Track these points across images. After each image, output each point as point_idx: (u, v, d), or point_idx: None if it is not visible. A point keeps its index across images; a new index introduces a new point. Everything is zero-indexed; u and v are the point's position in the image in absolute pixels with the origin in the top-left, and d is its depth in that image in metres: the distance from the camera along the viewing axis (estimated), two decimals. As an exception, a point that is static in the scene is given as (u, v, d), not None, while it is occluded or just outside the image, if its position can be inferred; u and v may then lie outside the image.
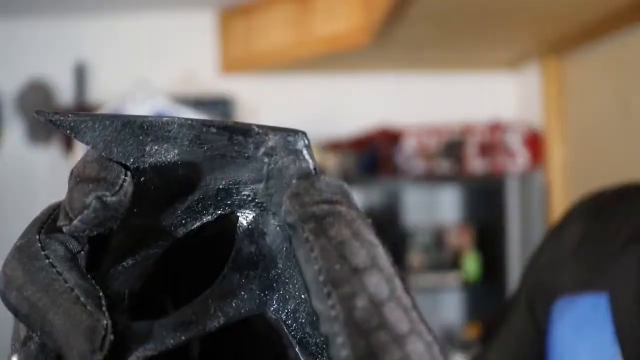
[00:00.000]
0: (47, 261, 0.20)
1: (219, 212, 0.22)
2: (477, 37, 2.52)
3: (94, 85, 3.00)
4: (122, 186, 0.20)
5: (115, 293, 0.21)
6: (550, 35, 2.53)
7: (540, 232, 2.84)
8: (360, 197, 3.16)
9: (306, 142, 0.21)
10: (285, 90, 3.13)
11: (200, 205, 0.22)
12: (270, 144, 0.21)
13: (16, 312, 0.19)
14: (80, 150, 2.63)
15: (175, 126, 0.21)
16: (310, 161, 0.21)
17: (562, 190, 2.76)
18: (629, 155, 2.29)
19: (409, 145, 2.92)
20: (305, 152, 0.21)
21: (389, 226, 2.93)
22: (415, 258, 2.95)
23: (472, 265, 2.95)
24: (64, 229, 0.19)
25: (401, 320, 0.17)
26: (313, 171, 0.21)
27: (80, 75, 2.97)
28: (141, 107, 2.63)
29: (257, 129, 0.21)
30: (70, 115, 0.21)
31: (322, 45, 2.66)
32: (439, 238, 3.03)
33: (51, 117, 0.21)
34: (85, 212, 0.19)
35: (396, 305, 0.18)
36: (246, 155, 0.21)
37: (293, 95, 3.13)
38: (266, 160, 0.21)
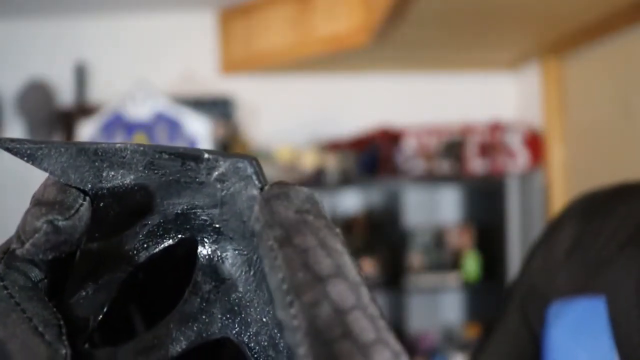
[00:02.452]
0: (5, 292, 0.20)
1: (180, 236, 0.23)
2: (477, 37, 2.52)
3: (94, 85, 3.00)
4: (77, 210, 0.20)
5: (79, 319, 0.21)
6: (550, 35, 2.53)
7: (540, 232, 2.84)
8: (360, 197, 3.16)
9: (255, 167, 0.21)
10: (285, 90, 3.13)
11: (161, 229, 0.22)
12: (221, 169, 0.21)
13: None
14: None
15: (129, 152, 0.21)
16: (260, 187, 0.21)
17: (562, 190, 2.76)
18: (629, 155, 2.29)
19: (409, 145, 2.92)
20: (254, 177, 0.21)
21: (389, 226, 2.93)
22: (415, 258, 2.95)
23: (472, 265, 2.95)
24: (17, 252, 0.19)
25: (366, 329, 0.17)
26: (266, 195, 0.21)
27: (80, 75, 2.97)
28: (141, 107, 2.64)
29: (207, 155, 0.21)
30: (26, 143, 0.21)
31: (322, 45, 2.66)
32: (439, 238, 3.03)
33: (7, 145, 0.21)
34: (36, 235, 0.19)
35: (361, 314, 0.17)
36: (198, 180, 0.22)
37: (293, 95, 3.13)
38: (218, 185, 0.21)
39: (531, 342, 0.59)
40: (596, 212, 0.58)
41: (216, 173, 0.21)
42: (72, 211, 0.20)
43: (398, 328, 2.89)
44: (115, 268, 0.22)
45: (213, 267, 0.22)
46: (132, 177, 0.22)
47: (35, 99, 2.90)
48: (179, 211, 0.22)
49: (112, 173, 0.22)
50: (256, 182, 0.21)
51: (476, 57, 2.92)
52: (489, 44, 2.66)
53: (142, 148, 0.21)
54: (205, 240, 0.22)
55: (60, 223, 0.19)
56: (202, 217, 0.22)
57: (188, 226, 0.22)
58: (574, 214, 0.60)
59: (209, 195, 0.22)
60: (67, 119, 2.89)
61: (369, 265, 2.90)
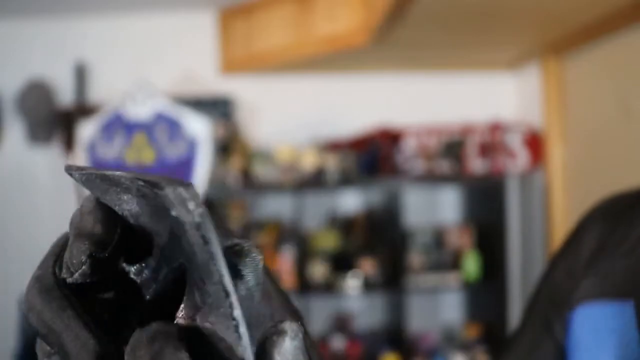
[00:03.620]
0: (60, 292, 0.23)
1: (180, 261, 0.24)
2: (477, 37, 2.52)
3: (94, 85, 3.00)
4: (114, 241, 0.24)
5: (119, 322, 0.25)
6: (550, 35, 2.53)
7: (540, 232, 2.84)
8: (360, 197, 3.16)
9: (190, 193, 0.22)
10: (285, 90, 3.13)
11: (166, 251, 0.24)
12: (170, 196, 0.22)
13: (37, 332, 0.23)
14: (79, 150, 2.63)
15: (123, 179, 0.24)
16: (195, 212, 0.22)
17: (562, 190, 2.76)
18: (628, 154, 2.29)
19: (409, 145, 2.92)
20: (189, 203, 0.22)
21: (389, 226, 2.93)
22: (415, 258, 2.95)
23: (472, 265, 2.95)
24: (67, 280, 0.24)
25: None
26: (199, 220, 0.21)
27: (80, 75, 2.97)
28: (141, 107, 2.64)
29: (160, 182, 0.22)
30: (83, 171, 0.25)
31: (322, 45, 2.66)
32: (439, 238, 3.03)
33: (73, 173, 0.25)
34: (83, 267, 0.23)
35: None
36: (164, 206, 0.23)
37: (293, 95, 3.13)
38: (172, 212, 0.22)
39: (554, 350, 0.58)
40: (621, 217, 0.57)
41: (169, 199, 0.22)
42: (111, 243, 0.24)
43: (398, 328, 2.89)
44: (135, 287, 0.25)
45: (198, 288, 0.23)
46: (135, 201, 0.24)
47: (35, 99, 2.90)
48: (169, 235, 0.24)
49: (125, 196, 0.24)
50: (190, 208, 0.22)
51: (476, 57, 2.92)
52: (489, 44, 2.66)
53: (131, 176, 0.23)
54: (187, 264, 0.24)
55: (101, 255, 0.23)
56: (181, 243, 0.23)
57: (177, 250, 0.24)
58: (598, 219, 0.59)
59: (173, 221, 0.23)
60: (67, 119, 2.89)
61: (369, 265, 2.90)
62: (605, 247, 0.56)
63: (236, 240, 0.26)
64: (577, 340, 0.54)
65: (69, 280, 0.23)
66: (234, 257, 0.25)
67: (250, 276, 0.26)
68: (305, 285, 2.87)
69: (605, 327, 0.52)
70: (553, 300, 0.59)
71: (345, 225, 3.07)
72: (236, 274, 0.25)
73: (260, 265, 0.26)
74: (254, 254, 0.26)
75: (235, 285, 0.25)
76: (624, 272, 0.53)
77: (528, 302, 0.65)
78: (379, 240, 2.97)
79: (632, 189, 0.60)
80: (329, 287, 2.89)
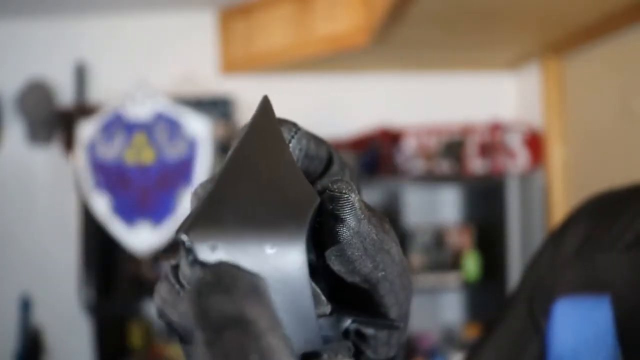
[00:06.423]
0: None
1: None
2: (477, 37, 2.52)
3: (94, 85, 3.00)
4: None
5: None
6: (550, 35, 2.53)
7: (540, 232, 2.84)
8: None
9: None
10: (285, 90, 3.13)
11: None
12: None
13: None
14: (79, 150, 2.63)
15: None
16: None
17: (562, 190, 2.76)
18: (629, 155, 2.29)
19: (409, 145, 2.92)
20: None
21: (389, 226, 2.92)
22: (415, 258, 2.95)
23: (472, 265, 2.95)
24: None
25: None
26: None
27: (80, 75, 2.97)
28: (141, 107, 2.64)
29: None
30: None
31: (322, 45, 2.66)
32: (439, 238, 3.03)
33: None
34: None
35: None
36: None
37: (293, 95, 3.13)
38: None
39: (535, 335, 0.59)
40: (607, 212, 0.58)
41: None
42: None
43: (398, 328, 2.88)
44: None
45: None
46: None
47: (35, 99, 2.90)
48: None
49: None
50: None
51: (476, 57, 2.92)
52: (489, 44, 2.66)
53: None
54: None
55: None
56: None
57: None
58: (585, 213, 0.60)
59: None
60: (67, 119, 2.89)
61: (369, 265, 2.89)
62: (589, 241, 0.57)
63: (327, 183, 0.25)
64: (556, 333, 0.55)
65: None
66: (330, 203, 0.25)
67: (349, 217, 0.25)
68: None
69: (583, 321, 0.52)
70: (538, 288, 0.60)
71: (345, 225, 3.06)
72: (336, 219, 0.25)
73: (357, 203, 0.25)
74: (346, 195, 0.25)
75: (339, 230, 0.25)
76: (604, 267, 0.54)
77: (514, 288, 0.66)
78: (379, 240, 2.96)
79: (621, 186, 0.61)
80: (329, 287, 2.88)
